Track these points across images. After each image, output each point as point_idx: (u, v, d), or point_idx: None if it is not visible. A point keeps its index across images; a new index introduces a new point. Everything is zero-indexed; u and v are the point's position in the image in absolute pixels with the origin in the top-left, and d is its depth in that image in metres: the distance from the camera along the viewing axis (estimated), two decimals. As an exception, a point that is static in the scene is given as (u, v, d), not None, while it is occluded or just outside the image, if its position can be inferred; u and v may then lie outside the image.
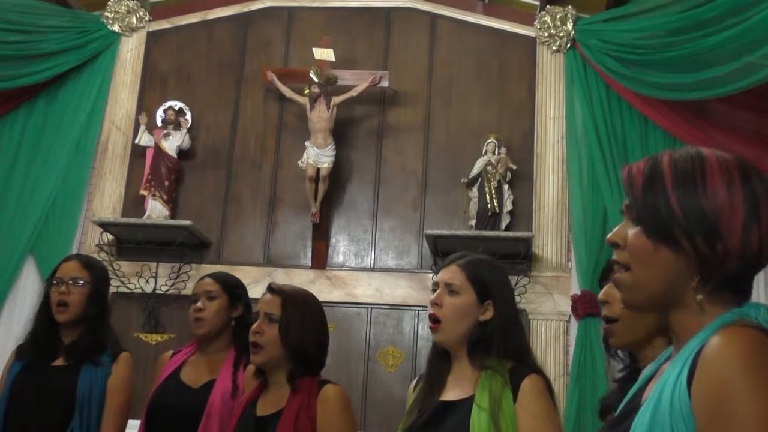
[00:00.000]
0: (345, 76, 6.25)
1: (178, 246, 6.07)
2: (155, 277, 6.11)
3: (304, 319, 2.57)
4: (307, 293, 2.71)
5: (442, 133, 6.32)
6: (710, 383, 1.11)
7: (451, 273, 2.33)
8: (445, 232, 5.80)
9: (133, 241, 6.08)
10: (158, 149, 6.21)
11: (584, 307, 5.48)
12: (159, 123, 6.35)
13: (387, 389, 5.71)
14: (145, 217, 6.09)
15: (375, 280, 6.08)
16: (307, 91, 6.15)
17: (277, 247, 6.24)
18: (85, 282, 3.03)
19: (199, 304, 3.05)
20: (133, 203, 6.29)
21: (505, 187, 5.93)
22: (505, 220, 5.89)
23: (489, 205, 5.83)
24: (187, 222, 5.95)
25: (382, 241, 6.18)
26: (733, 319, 1.19)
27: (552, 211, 5.99)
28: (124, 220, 6.13)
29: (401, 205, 6.22)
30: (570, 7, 6.24)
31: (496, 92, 6.34)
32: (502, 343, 2.26)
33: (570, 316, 5.68)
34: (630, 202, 1.30)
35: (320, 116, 6.04)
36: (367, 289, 6.05)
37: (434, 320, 2.30)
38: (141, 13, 6.73)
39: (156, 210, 6.10)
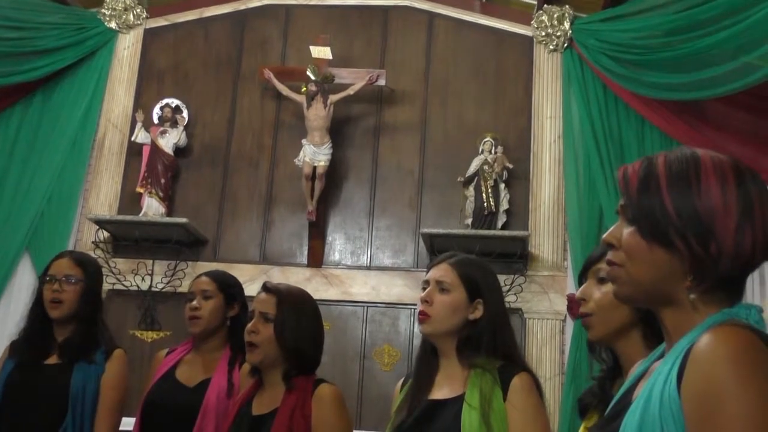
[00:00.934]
0: (342, 75, 6.25)
1: (174, 243, 6.07)
2: (151, 275, 6.11)
3: (300, 318, 2.57)
4: (303, 292, 2.71)
5: (438, 131, 6.32)
6: (699, 382, 1.12)
7: (442, 271, 2.34)
8: (441, 230, 5.80)
9: (129, 238, 6.08)
10: (155, 147, 6.21)
11: (580, 306, 5.47)
12: (156, 120, 6.35)
13: (382, 388, 5.71)
14: (141, 214, 6.08)
15: (371, 278, 6.08)
16: (304, 89, 6.15)
17: (273, 245, 6.24)
18: (78, 279, 3.02)
19: (194, 302, 3.04)
20: (130, 200, 6.29)
21: (502, 186, 5.93)
22: (502, 219, 5.90)
23: (485, 204, 5.83)
24: (183, 219, 5.95)
25: (379, 240, 6.18)
26: (724, 319, 1.20)
27: (548, 210, 6.00)
28: (120, 217, 6.12)
29: (398, 204, 6.22)
30: (567, 6, 6.24)
31: (493, 91, 6.35)
32: (491, 342, 2.27)
33: (566, 316, 5.69)
34: (625, 203, 1.31)
35: (317, 114, 6.04)
36: (363, 287, 6.05)
37: (424, 316, 2.31)
38: (138, 10, 6.72)
39: (152, 207, 6.10)
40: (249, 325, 2.58)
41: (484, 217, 5.84)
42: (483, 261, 2.50)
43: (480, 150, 6.00)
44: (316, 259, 6.14)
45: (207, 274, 3.16)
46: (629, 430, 1.20)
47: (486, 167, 5.92)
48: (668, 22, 5.47)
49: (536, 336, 5.79)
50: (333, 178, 6.19)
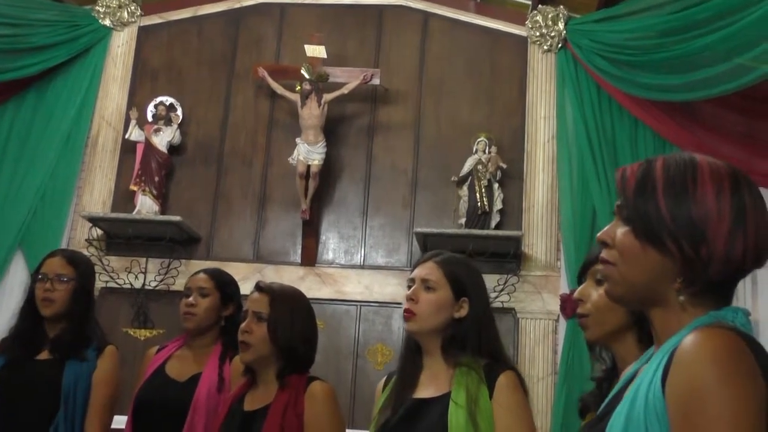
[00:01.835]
0: (336, 74, 6.25)
1: (167, 241, 6.07)
2: (144, 273, 6.10)
3: (293, 317, 2.57)
4: (296, 291, 2.71)
5: (432, 131, 6.33)
6: (683, 382, 1.13)
7: (428, 269, 2.34)
8: (434, 230, 5.81)
9: (123, 236, 6.07)
10: (148, 144, 6.20)
11: (573, 306, 5.43)
12: (149, 118, 6.34)
13: (376, 387, 5.70)
14: (134, 212, 6.08)
15: (364, 277, 6.08)
16: (298, 87, 6.15)
17: (266, 244, 6.24)
18: (69, 278, 3.02)
19: (190, 299, 3.04)
20: (123, 198, 6.28)
21: (495, 185, 5.94)
22: (495, 219, 5.91)
23: (479, 204, 5.84)
24: (176, 218, 5.95)
25: (372, 239, 6.19)
26: (710, 321, 1.21)
27: (542, 210, 6.01)
28: (114, 215, 6.12)
29: (391, 203, 6.23)
30: (562, 7, 6.25)
31: (487, 91, 6.35)
32: (476, 341, 2.27)
33: (559, 316, 5.69)
34: (621, 203, 1.33)
35: (311, 113, 6.04)
36: (356, 286, 6.06)
37: (409, 314, 2.31)
38: (132, 7, 6.71)
39: (146, 205, 6.09)
40: (242, 325, 2.58)
41: (477, 216, 5.85)
42: (468, 260, 2.51)
43: (474, 150, 6.01)
44: (310, 258, 6.14)
45: (205, 271, 3.16)
46: (615, 429, 1.21)
47: (480, 167, 5.93)
48: (662, 23, 5.49)
49: (529, 336, 5.80)
50: (327, 176, 6.19)
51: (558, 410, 5.42)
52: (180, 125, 6.35)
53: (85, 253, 5.52)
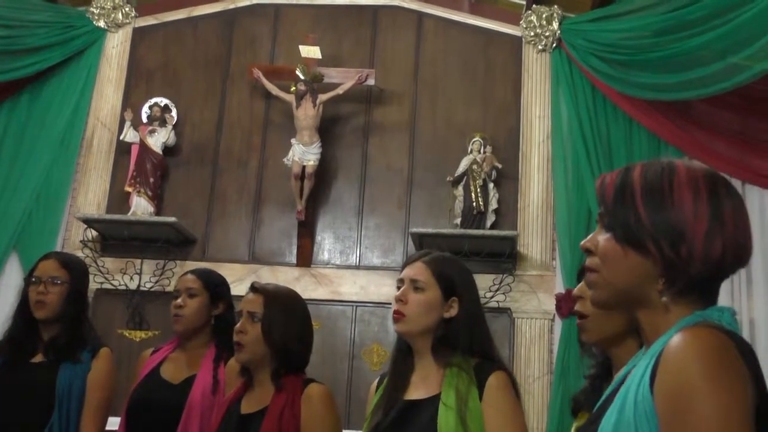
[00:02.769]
0: (331, 74, 6.25)
1: (162, 243, 6.06)
2: (139, 274, 6.09)
3: (287, 318, 2.57)
4: (291, 291, 2.71)
5: (427, 131, 6.33)
6: (670, 382, 1.14)
7: (417, 269, 2.33)
8: (430, 230, 5.80)
9: (118, 237, 6.05)
10: (143, 146, 6.19)
11: (568, 306, 5.43)
12: (144, 119, 6.33)
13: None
14: (129, 213, 6.07)
15: (360, 278, 6.08)
16: (293, 88, 6.14)
17: (262, 245, 6.23)
18: (63, 281, 3.02)
19: (179, 300, 3.04)
20: (118, 200, 6.27)
21: (491, 185, 5.94)
22: (490, 219, 5.91)
23: (474, 204, 5.84)
24: (171, 219, 5.94)
25: (368, 239, 6.19)
26: (696, 321, 1.22)
27: (537, 210, 6.01)
28: (109, 216, 6.10)
29: (387, 203, 6.23)
30: (556, 6, 6.25)
31: (481, 91, 6.36)
32: (467, 340, 2.26)
33: (554, 315, 5.70)
34: (602, 211, 1.36)
35: (306, 114, 6.04)
36: (352, 287, 6.05)
37: (398, 315, 2.30)
38: (127, 9, 6.70)
39: (141, 206, 6.08)
40: (237, 325, 2.58)
41: (473, 216, 5.85)
42: (458, 259, 2.49)
43: (469, 149, 6.01)
44: (305, 259, 6.13)
45: (193, 272, 3.16)
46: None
47: (475, 167, 5.93)
48: (656, 22, 5.50)
49: (525, 335, 5.81)
50: (322, 177, 6.18)
51: (554, 410, 5.42)
52: (175, 126, 6.34)
53: (80, 254, 5.54)
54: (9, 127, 6.45)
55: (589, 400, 1.96)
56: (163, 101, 6.41)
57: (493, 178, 5.95)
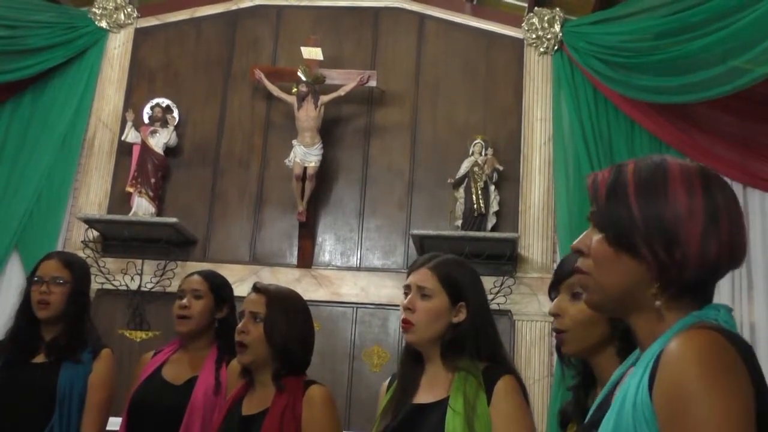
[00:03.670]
0: (333, 76, 6.25)
1: (163, 243, 6.06)
2: (140, 275, 6.10)
3: (289, 318, 2.57)
4: (292, 292, 2.72)
5: (429, 133, 6.33)
6: (669, 385, 1.13)
7: (422, 276, 2.31)
8: (431, 232, 5.80)
9: (119, 237, 6.06)
10: (145, 146, 6.20)
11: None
12: (146, 120, 6.34)
13: (372, 389, 5.70)
14: (131, 214, 6.07)
15: (361, 279, 6.08)
16: (294, 89, 6.15)
17: (263, 246, 6.24)
18: (65, 281, 3.02)
19: (184, 301, 3.03)
20: (119, 200, 6.27)
21: (492, 188, 5.94)
22: (491, 221, 5.91)
23: (475, 206, 5.84)
24: (173, 219, 5.94)
25: (369, 241, 6.19)
26: (693, 322, 1.21)
27: (538, 212, 6.01)
28: (110, 216, 6.11)
29: (388, 205, 6.23)
30: (558, 9, 6.26)
31: (483, 93, 6.36)
32: (475, 345, 2.25)
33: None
34: (594, 210, 1.33)
35: (308, 115, 6.04)
36: (352, 288, 6.05)
37: (407, 324, 2.28)
38: (129, 9, 6.71)
39: (142, 207, 6.09)
40: (239, 326, 2.58)
41: (473, 218, 5.85)
42: (464, 261, 2.47)
43: (470, 152, 6.01)
44: (306, 260, 6.14)
45: (199, 273, 3.15)
46: None
47: (476, 169, 5.93)
48: (658, 25, 5.50)
49: (525, 338, 5.81)
50: (323, 178, 6.19)
51: (554, 412, 5.39)
52: (176, 127, 6.35)
53: (81, 254, 5.53)
54: (11, 127, 6.46)
55: (576, 410, 1.95)
56: (164, 102, 6.42)
57: (494, 180, 5.96)
